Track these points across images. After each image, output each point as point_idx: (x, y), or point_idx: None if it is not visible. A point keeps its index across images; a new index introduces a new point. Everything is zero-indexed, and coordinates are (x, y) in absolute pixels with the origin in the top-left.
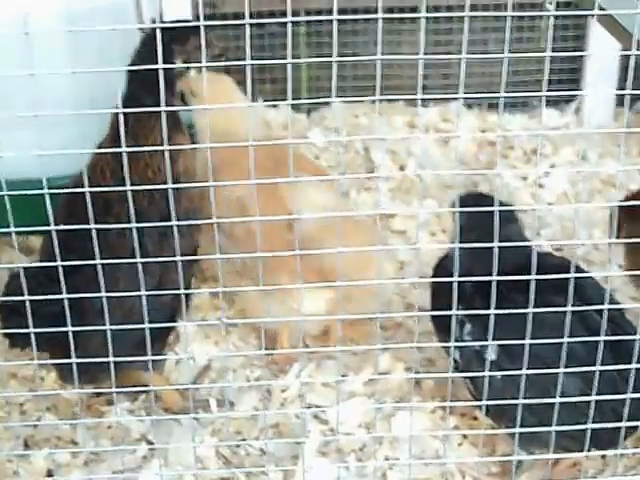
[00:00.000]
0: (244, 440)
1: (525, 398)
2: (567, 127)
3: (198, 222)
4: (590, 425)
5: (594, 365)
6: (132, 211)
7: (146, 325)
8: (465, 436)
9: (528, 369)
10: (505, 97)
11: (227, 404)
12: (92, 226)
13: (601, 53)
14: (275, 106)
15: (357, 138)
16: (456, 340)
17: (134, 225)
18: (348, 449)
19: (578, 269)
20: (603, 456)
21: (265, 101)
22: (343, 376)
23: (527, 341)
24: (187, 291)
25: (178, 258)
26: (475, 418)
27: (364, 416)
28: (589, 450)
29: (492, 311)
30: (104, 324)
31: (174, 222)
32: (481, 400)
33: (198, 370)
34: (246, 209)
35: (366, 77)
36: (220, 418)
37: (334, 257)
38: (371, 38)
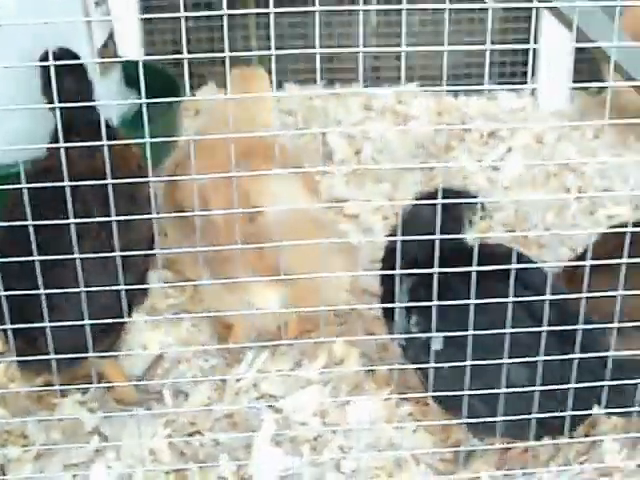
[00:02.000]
0: (198, 432)
1: (473, 386)
2: (523, 110)
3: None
4: (538, 415)
5: (539, 350)
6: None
7: (85, 322)
8: (420, 423)
9: (474, 357)
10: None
11: (181, 395)
12: (30, 222)
13: (553, 36)
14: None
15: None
16: (404, 330)
17: (73, 221)
18: (302, 439)
19: (520, 256)
20: (556, 442)
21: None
22: (298, 363)
23: (470, 332)
24: (143, 286)
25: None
26: (428, 404)
27: (319, 404)
28: (539, 438)
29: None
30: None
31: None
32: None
33: (150, 360)
34: (207, 199)
35: (320, 59)
36: (175, 411)
37: (289, 255)
38: (323, 18)
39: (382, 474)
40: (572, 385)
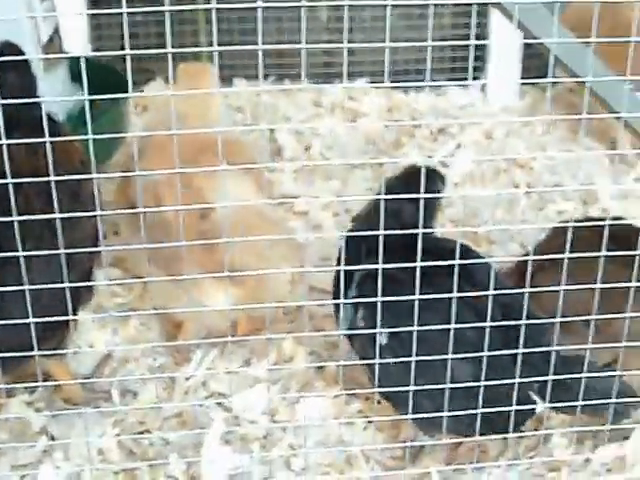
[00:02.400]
0: (147, 431)
1: (419, 382)
2: (473, 105)
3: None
4: (482, 411)
5: (484, 348)
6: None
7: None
8: (370, 420)
9: (420, 353)
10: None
11: (129, 394)
12: None
13: (502, 32)
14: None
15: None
16: (351, 326)
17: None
18: (252, 437)
19: (469, 252)
20: (505, 437)
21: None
22: (247, 362)
23: (413, 328)
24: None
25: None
26: (379, 402)
27: (268, 403)
28: (486, 434)
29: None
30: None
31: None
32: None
33: (98, 359)
34: (159, 196)
35: (270, 54)
36: (123, 409)
37: (240, 253)
38: (273, 13)
39: (332, 471)
40: (515, 380)
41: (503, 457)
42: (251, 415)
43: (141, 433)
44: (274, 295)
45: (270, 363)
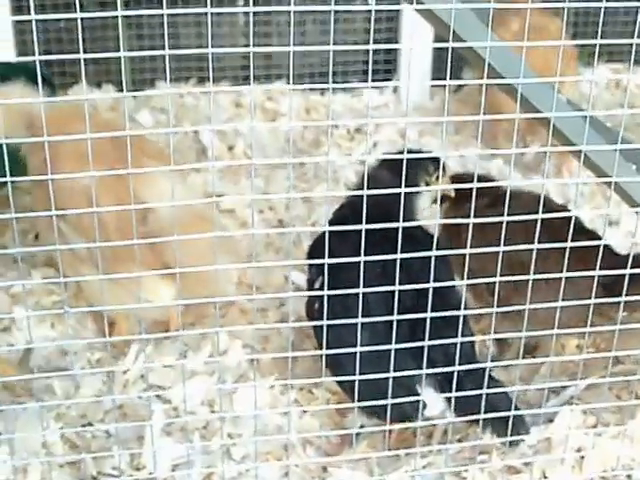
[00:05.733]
0: (89, 424)
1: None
2: (387, 106)
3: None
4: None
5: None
6: None
7: None
8: (305, 410)
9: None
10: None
11: (70, 388)
12: None
13: (414, 34)
14: (99, 87)
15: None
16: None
17: None
18: (192, 427)
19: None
20: (434, 424)
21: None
22: (182, 355)
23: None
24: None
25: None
26: (310, 391)
27: (206, 394)
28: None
29: None
30: None
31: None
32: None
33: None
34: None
35: (190, 57)
36: (65, 402)
37: (181, 252)
38: (193, 18)
39: (271, 459)
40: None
41: (433, 439)
42: (190, 406)
43: (83, 426)
44: (213, 291)
45: (205, 356)
